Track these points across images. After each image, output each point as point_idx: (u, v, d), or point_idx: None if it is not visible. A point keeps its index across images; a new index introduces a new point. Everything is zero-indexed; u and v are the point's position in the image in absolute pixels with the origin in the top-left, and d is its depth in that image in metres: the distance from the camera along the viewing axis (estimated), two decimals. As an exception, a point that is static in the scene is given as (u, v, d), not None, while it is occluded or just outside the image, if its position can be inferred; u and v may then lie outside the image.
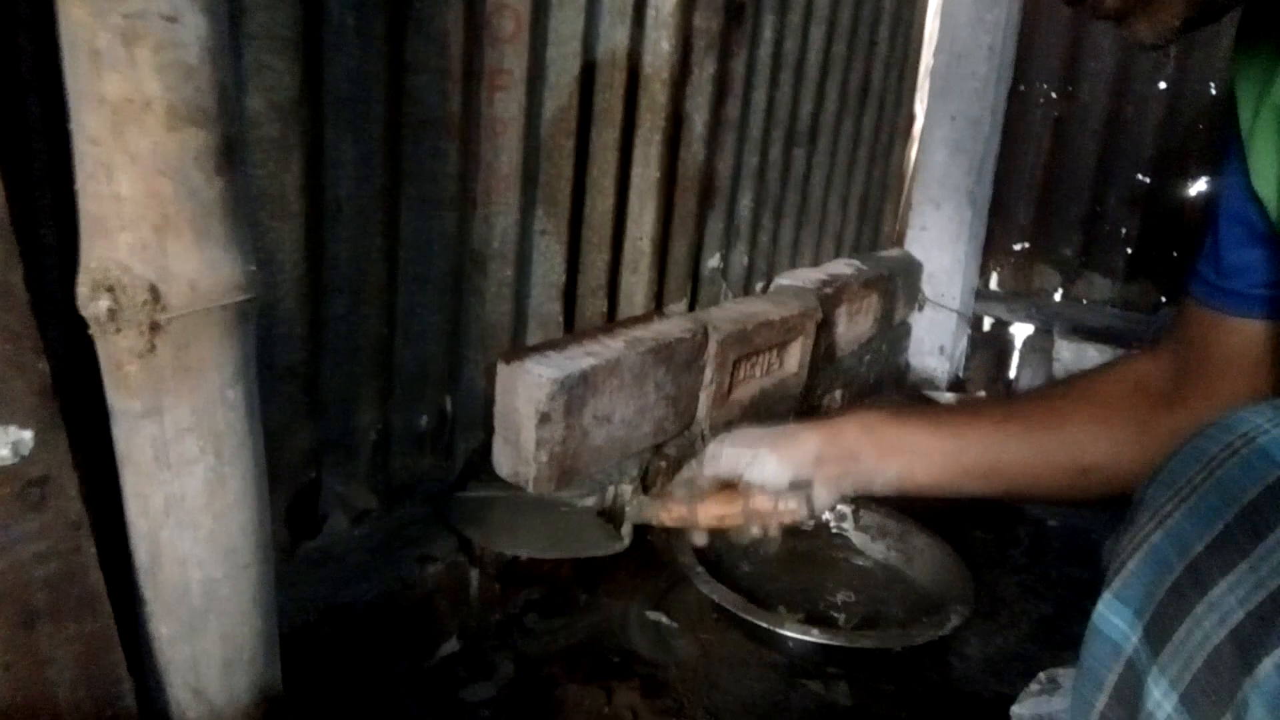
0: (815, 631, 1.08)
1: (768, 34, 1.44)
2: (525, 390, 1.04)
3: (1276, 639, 0.40)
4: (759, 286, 1.66)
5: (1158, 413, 0.78)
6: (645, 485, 1.27)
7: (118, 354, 0.54)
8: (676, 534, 1.21)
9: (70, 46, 0.51)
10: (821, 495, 0.89)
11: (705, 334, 1.31)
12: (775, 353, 1.52)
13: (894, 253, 2.14)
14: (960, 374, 2.24)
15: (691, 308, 1.44)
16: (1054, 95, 2.11)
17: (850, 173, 1.89)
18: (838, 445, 0.89)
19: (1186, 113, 1.97)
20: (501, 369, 1.07)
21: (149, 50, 0.50)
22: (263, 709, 0.67)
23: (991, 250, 2.24)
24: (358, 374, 0.94)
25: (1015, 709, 0.82)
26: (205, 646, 0.62)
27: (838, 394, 1.86)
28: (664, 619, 1.17)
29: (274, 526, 0.86)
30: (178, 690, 0.63)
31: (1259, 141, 0.64)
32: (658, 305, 1.34)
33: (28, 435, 0.52)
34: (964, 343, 2.23)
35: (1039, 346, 2.13)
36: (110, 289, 0.52)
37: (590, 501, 1.08)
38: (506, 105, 1.00)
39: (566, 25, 1.05)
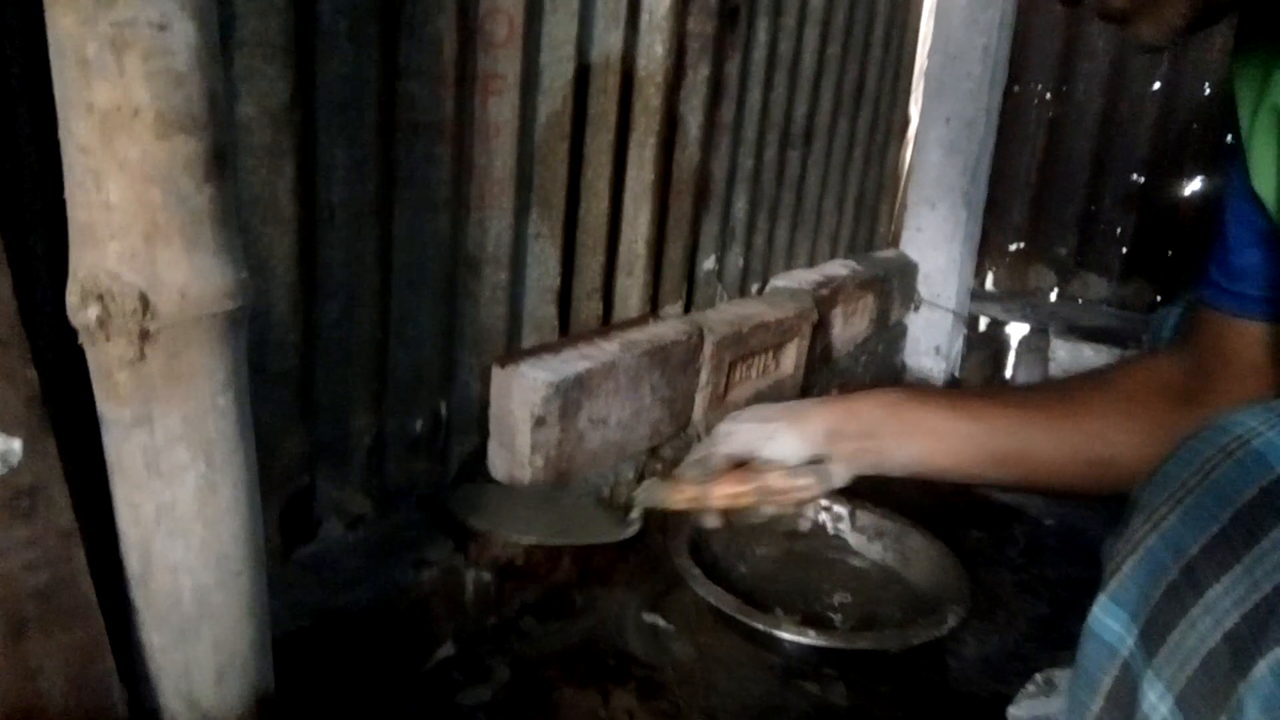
0: (812, 633, 1.07)
1: (762, 36, 1.44)
2: (520, 394, 1.04)
3: (1271, 641, 0.40)
4: (754, 288, 1.66)
5: (1176, 410, 0.78)
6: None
7: (108, 362, 0.54)
8: (674, 534, 1.21)
9: (59, 54, 0.50)
10: (837, 472, 0.88)
11: (701, 336, 1.31)
12: (771, 354, 1.52)
13: (889, 253, 2.14)
14: (956, 374, 2.24)
15: (687, 310, 1.44)
16: (1049, 96, 2.12)
17: (845, 174, 1.89)
18: (855, 422, 0.87)
19: (1181, 113, 1.98)
20: (496, 373, 1.07)
21: (138, 58, 0.50)
22: (257, 716, 0.67)
23: (987, 250, 2.25)
24: (351, 379, 0.93)
25: (1012, 710, 0.82)
26: (198, 654, 0.62)
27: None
28: (660, 621, 1.17)
29: (268, 532, 0.86)
30: (170, 699, 0.63)
31: (1258, 142, 0.64)
32: (653, 308, 1.34)
33: (17, 445, 0.52)
34: (960, 343, 2.23)
35: (1035, 346, 2.13)
36: (100, 297, 0.52)
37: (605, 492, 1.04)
38: (500, 109, 1.00)
39: (560, 29, 1.05)
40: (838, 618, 1.23)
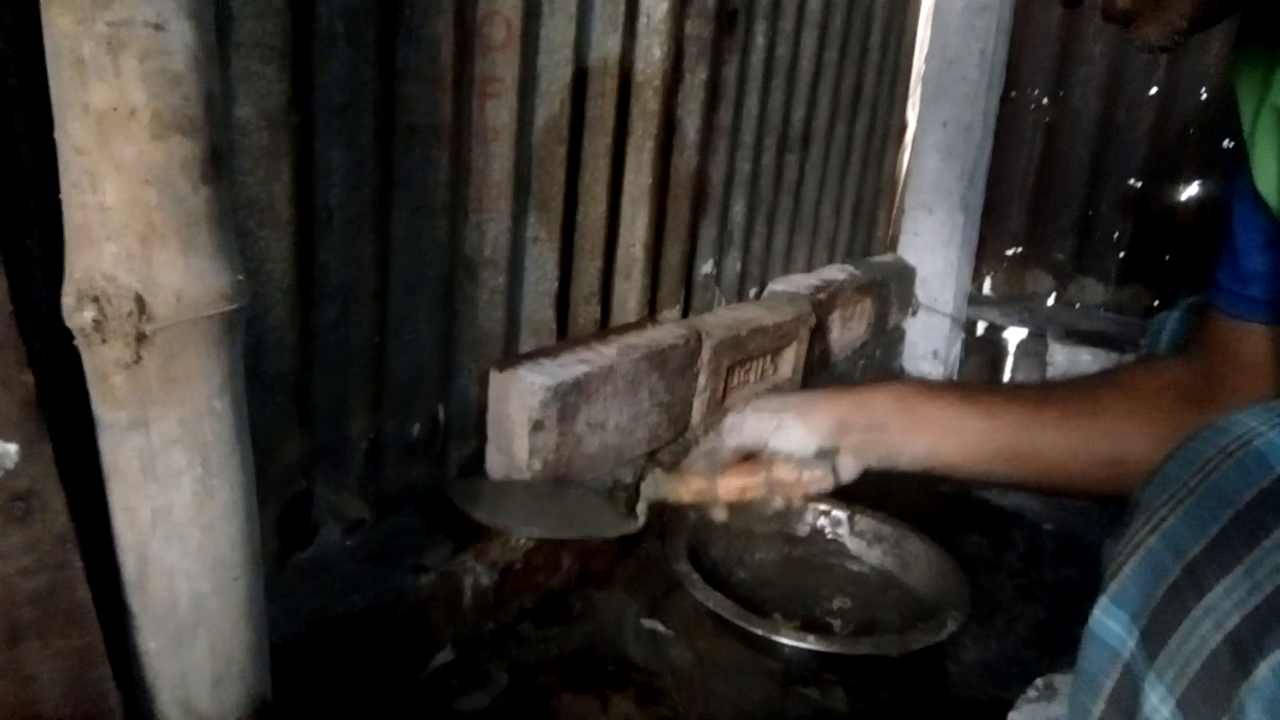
0: (811, 638, 1.07)
1: (760, 40, 1.44)
2: (518, 398, 1.04)
3: (1273, 643, 0.40)
4: (752, 292, 1.65)
5: (1190, 412, 0.77)
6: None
7: (104, 365, 0.54)
8: (673, 539, 1.21)
9: (55, 54, 0.50)
10: (847, 464, 0.87)
11: (699, 340, 1.31)
12: (769, 358, 1.52)
13: (887, 258, 2.14)
14: (954, 378, 2.24)
15: (685, 314, 1.43)
16: (1045, 101, 2.12)
17: (843, 178, 1.89)
18: (866, 414, 0.86)
19: (1177, 117, 1.98)
20: (494, 376, 1.06)
21: (135, 58, 0.50)
22: (253, 722, 0.66)
23: (984, 255, 2.25)
24: (349, 383, 0.93)
25: (1013, 715, 0.82)
26: (194, 660, 0.61)
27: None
28: (659, 627, 1.16)
29: (265, 537, 0.86)
30: (167, 705, 0.62)
31: (1260, 143, 0.64)
32: (651, 312, 1.34)
33: (12, 448, 0.52)
34: (958, 347, 2.23)
35: (1032, 351, 2.13)
36: (95, 299, 0.52)
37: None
38: (498, 112, 1.00)
39: (558, 33, 1.05)
40: (837, 623, 1.22)
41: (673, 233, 1.34)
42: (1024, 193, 2.19)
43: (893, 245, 2.21)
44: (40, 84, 0.52)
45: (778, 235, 1.69)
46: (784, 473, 0.87)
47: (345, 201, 0.87)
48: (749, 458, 0.90)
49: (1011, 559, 1.47)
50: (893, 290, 2.03)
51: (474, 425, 1.09)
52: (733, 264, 1.55)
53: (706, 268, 1.46)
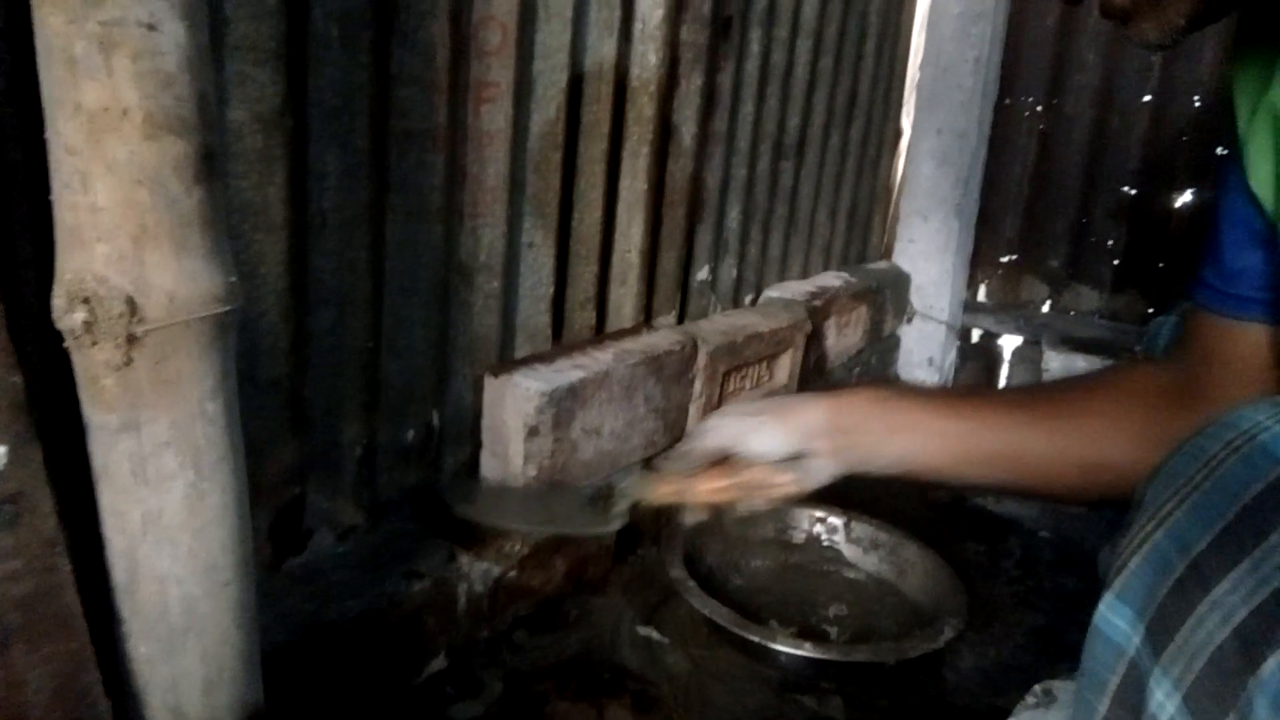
0: (808, 646, 1.06)
1: (755, 47, 1.45)
2: (513, 403, 1.03)
3: None
4: (748, 299, 1.65)
5: (1169, 414, 0.77)
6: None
7: (94, 367, 0.53)
8: (668, 546, 1.20)
9: (47, 54, 0.50)
10: (822, 468, 0.86)
11: (694, 346, 1.31)
12: (765, 365, 1.52)
13: (882, 265, 2.15)
14: (949, 386, 2.24)
15: (680, 320, 1.43)
16: (1039, 108, 2.13)
17: (838, 185, 1.89)
18: (842, 417, 0.85)
19: (1171, 124, 1.99)
20: (489, 382, 1.06)
21: (127, 58, 0.50)
22: (244, 730, 0.65)
23: (979, 262, 2.25)
24: (343, 387, 0.92)
25: (1010, 722, 0.81)
26: (185, 666, 0.61)
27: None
28: (655, 634, 1.15)
29: (257, 542, 0.85)
30: (157, 711, 0.61)
31: (1255, 142, 0.64)
32: (646, 317, 1.34)
33: (1, 451, 0.51)
34: (953, 354, 2.23)
35: (1028, 358, 2.13)
36: (86, 301, 0.51)
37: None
38: (493, 117, 1.00)
39: (553, 38, 1.05)
40: (834, 630, 1.22)
41: (668, 239, 1.34)
42: (1019, 200, 2.19)
43: (888, 252, 2.21)
44: (31, 83, 0.51)
45: (773, 242, 1.69)
46: (757, 476, 0.87)
47: (340, 205, 0.87)
48: (724, 460, 0.90)
49: (1008, 566, 1.46)
50: (888, 297, 2.03)
51: (469, 431, 1.09)
52: (728, 270, 1.55)
53: (702, 274, 1.46)
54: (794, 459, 0.86)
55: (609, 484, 1.00)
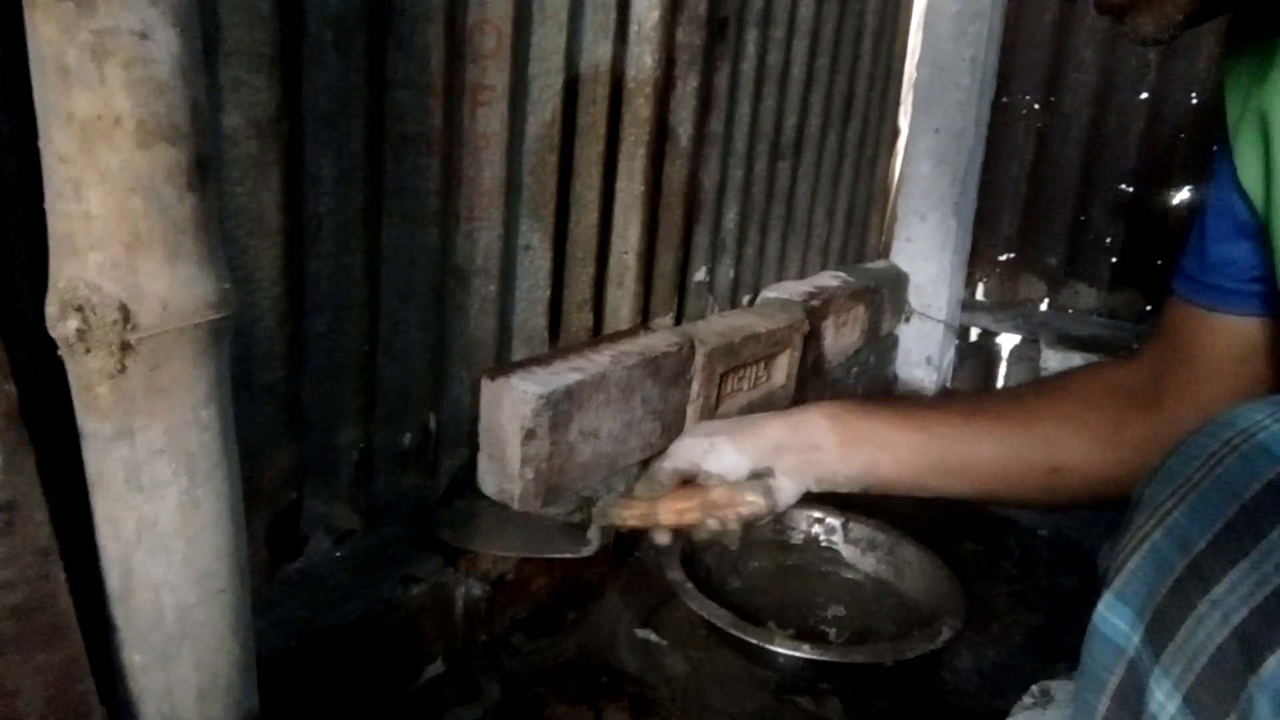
0: (806, 647, 1.06)
1: (751, 48, 1.44)
2: (510, 406, 1.03)
3: None
4: (745, 299, 1.65)
5: (1133, 415, 0.77)
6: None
7: (87, 375, 0.53)
8: (666, 549, 1.20)
9: (39, 62, 0.50)
10: (784, 487, 0.86)
11: (692, 347, 1.31)
12: (763, 365, 1.52)
13: (880, 264, 2.15)
14: (948, 384, 2.24)
15: (678, 321, 1.43)
16: (1037, 106, 2.13)
17: (835, 185, 1.89)
18: (800, 435, 0.85)
19: (1168, 122, 1.99)
20: (486, 385, 1.06)
21: (119, 66, 0.49)
22: (241, 737, 0.65)
23: (977, 261, 2.25)
24: (339, 392, 0.92)
25: (1009, 722, 0.81)
26: (180, 674, 0.61)
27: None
28: (653, 636, 1.15)
29: (254, 548, 0.85)
30: (151, 719, 0.61)
31: (1243, 141, 0.64)
32: (644, 319, 1.34)
33: (-6, 460, 0.51)
34: (951, 353, 2.23)
35: (1026, 356, 2.14)
36: (79, 309, 0.51)
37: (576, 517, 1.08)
38: (489, 120, 0.99)
39: (549, 41, 1.05)
40: (832, 631, 1.22)
41: (665, 240, 1.33)
42: (1016, 198, 2.19)
43: (886, 252, 2.21)
44: (24, 92, 0.51)
45: (771, 242, 1.69)
46: (719, 496, 0.87)
47: (335, 210, 0.87)
48: (690, 481, 0.91)
49: (1007, 566, 1.46)
50: (886, 297, 2.03)
51: (466, 434, 1.08)
52: (726, 271, 1.55)
53: (699, 275, 1.46)
54: (758, 478, 0.87)
55: (587, 502, 1.02)
